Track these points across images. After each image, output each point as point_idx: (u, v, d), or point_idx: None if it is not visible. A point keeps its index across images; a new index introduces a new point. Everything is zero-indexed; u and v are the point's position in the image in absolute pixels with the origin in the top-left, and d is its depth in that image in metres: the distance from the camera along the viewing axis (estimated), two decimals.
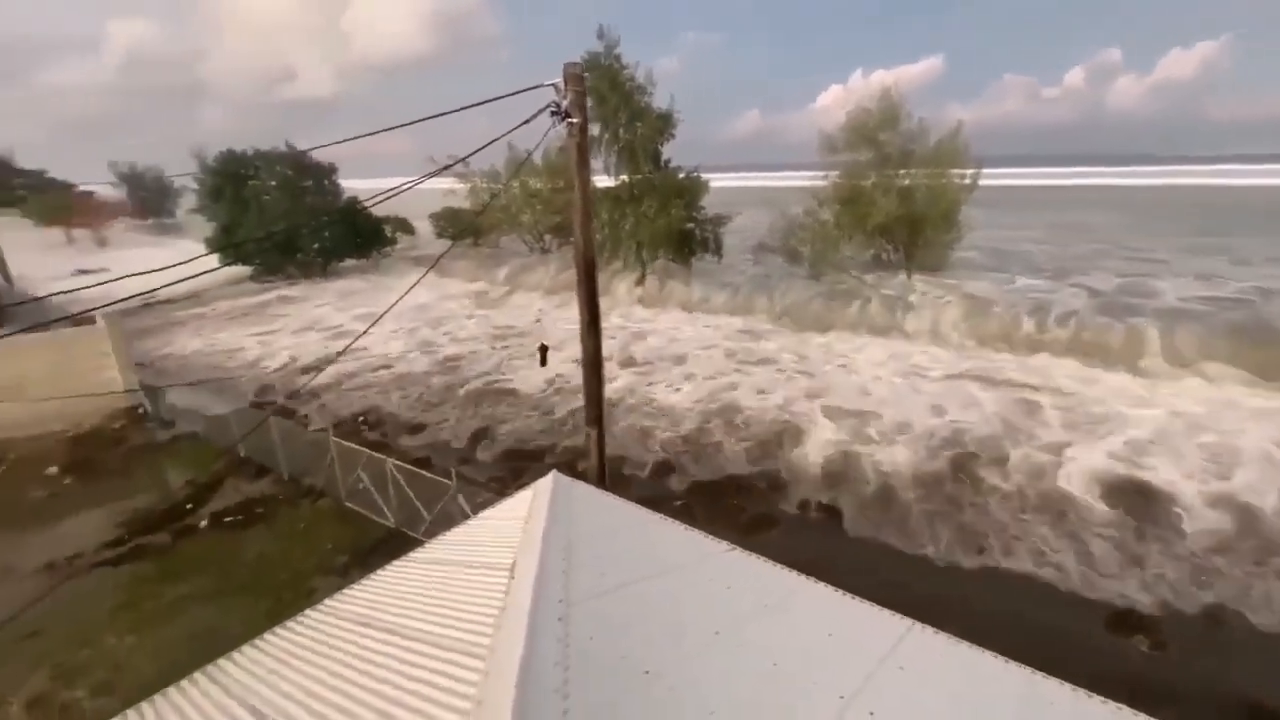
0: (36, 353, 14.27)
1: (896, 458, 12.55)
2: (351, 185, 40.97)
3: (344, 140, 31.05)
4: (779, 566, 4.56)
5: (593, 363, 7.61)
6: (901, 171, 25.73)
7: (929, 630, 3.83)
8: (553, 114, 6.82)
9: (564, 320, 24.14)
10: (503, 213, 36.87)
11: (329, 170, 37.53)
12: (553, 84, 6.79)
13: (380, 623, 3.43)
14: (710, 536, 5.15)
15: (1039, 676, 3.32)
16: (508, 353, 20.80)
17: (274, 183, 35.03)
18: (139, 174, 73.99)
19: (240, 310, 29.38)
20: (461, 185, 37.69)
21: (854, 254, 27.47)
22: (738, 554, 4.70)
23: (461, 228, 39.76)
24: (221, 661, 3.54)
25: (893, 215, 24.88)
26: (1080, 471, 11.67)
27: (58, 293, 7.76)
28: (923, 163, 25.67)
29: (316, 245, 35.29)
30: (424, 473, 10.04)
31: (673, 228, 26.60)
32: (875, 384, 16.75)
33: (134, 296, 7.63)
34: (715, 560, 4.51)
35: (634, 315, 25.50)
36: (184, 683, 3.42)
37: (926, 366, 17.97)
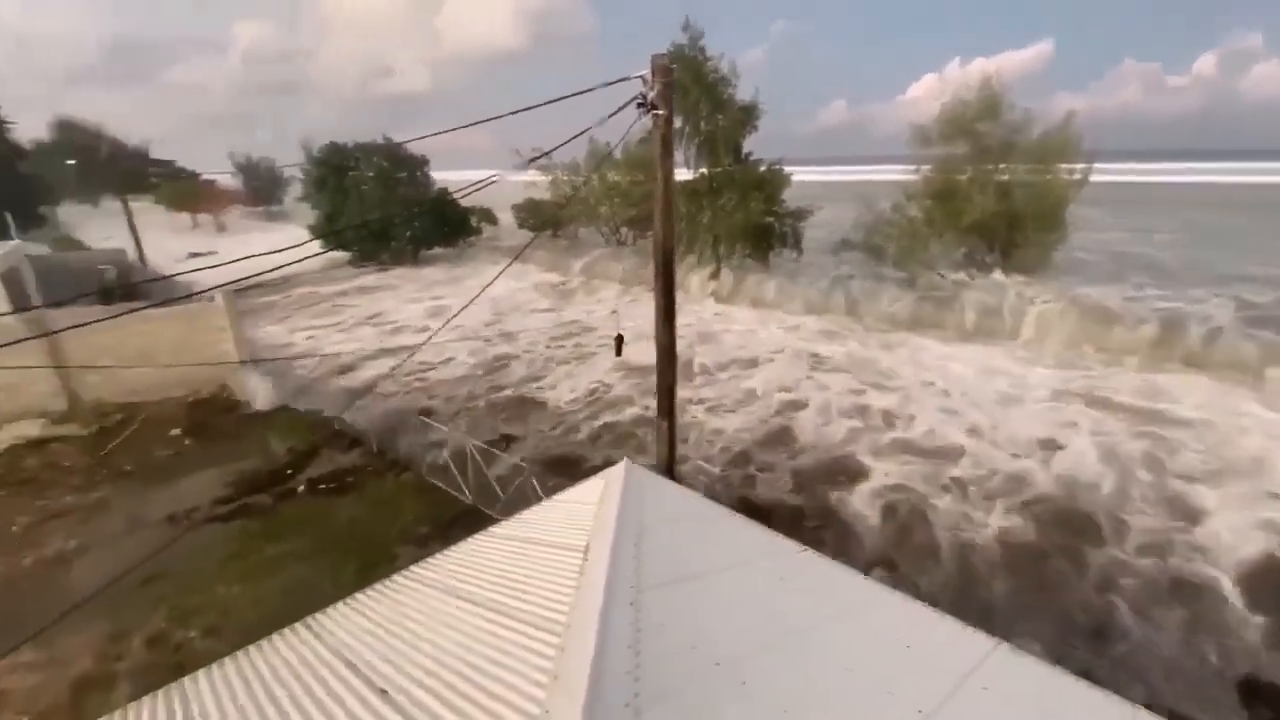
0: (164, 325, 15.84)
1: (983, 518, 10.17)
2: (441, 177, 42.83)
3: (435, 134, 32.48)
4: (854, 572, 4.43)
5: (666, 354, 7.63)
6: (1001, 166, 24.15)
7: (1015, 651, 3.62)
8: (638, 106, 6.85)
9: (634, 314, 24.14)
10: (581, 205, 37.49)
11: (421, 162, 39.35)
12: (639, 76, 6.82)
13: (461, 591, 3.59)
14: (782, 536, 5.07)
15: (1141, 712, 3.07)
16: (561, 353, 19.84)
17: (371, 174, 37.17)
18: (253, 164, 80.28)
19: (312, 299, 29.64)
20: (543, 177, 38.58)
21: (944, 252, 26.04)
22: (811, 555, 4.60)
23: (542, 219, 40.77)
24: (319, 615, 3.82)
25: (989, 212, 23.41)
26: (1232, 546, 9.21)
27: (182, 272, 8.57)
28: (1026, 156, 23.98)
29: (408, 234, 37.14)
30: (500, 454, 10.42)
31: (751, 222, 26.19)
32: (964, 402, 14.81)
33: (250, 277, 8.30)
34: (788, 559, 4.43)
35: (705, 312, 24.92)
36: (285, 632, 3.72)
37: (1029, 383, 15.92)
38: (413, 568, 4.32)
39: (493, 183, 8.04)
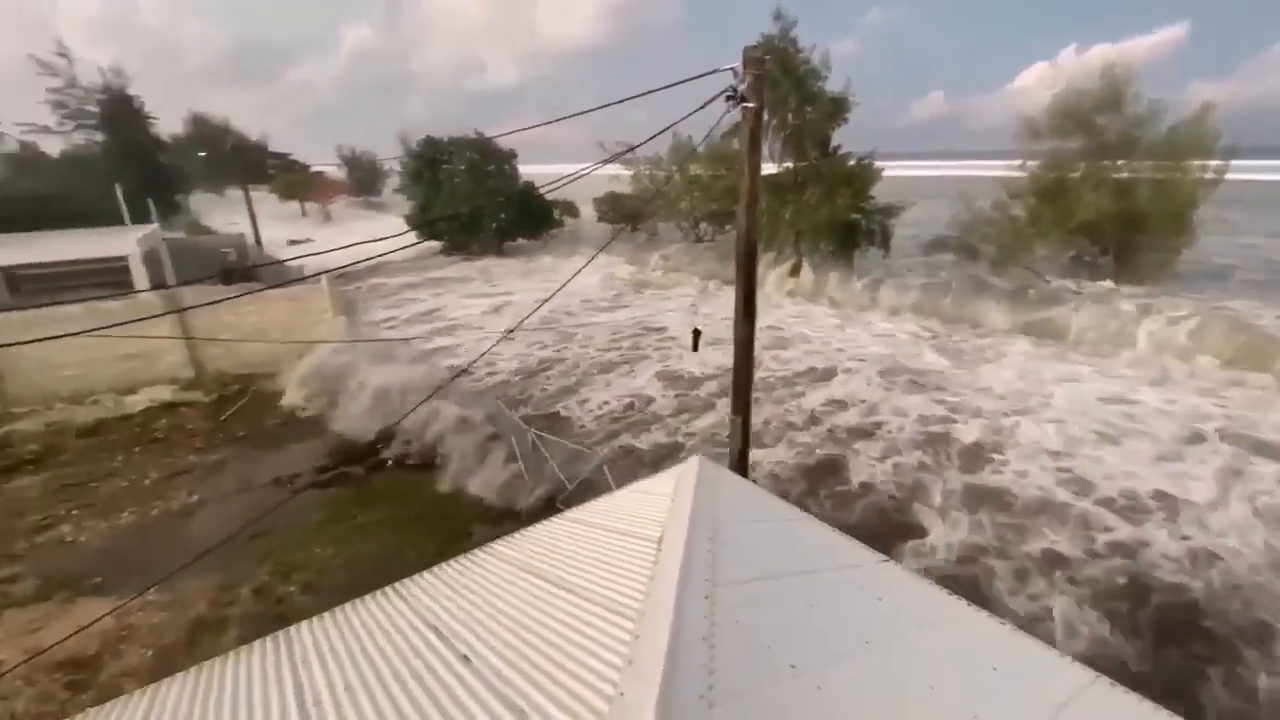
0: (276, 305, 17.30)
1: (1081, 627, 7.62)
2: (527, 170, 44.12)
3: (524, 128, 33.48)
4: (939, 588, 4.22)
5: (744, 349, 7.54)
6: (1120, 162, 22.14)
7: (1118, 688, 3.33)
8: (728, 99, 6.79)
9: (705, 314, 23.87)
10: (662, 199, 37.58)
11: (509, 156, 40.69)
12: (730, 69, 6.75)
13: (538, 570, 3.70)
14: (861, 544, 4.90)
15: None
16: (610, 357, 18.65)
17: (462, 167, 38.83)
18: (357, 157, 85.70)
19: (381, 291, 29.93)
20: (626, 171, 38.94)
21: (1049, 255, 24.23)
22: (892, 566, 4.43)
23: (623, 213, 41.16)
24: (406, 582, 4.05)
25: (1104, 212, 21.55)
26: None
27: (294, 257, 9.31)
28: (1151, 152, 21.88)
29: (495, 225, 38.54)
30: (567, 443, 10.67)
31: (836, 218, 25.37)
32: (1070, 436, 12.34)
33: (349, 265, 8.87)
34: (868, 569, 4.28)
35: (782, 312, 24.17)
36: (376, 594, 3.97)
37: (1156, 413, 13.32)
38: (492, 544, 4.50)
39: (580, 177, 8.21)
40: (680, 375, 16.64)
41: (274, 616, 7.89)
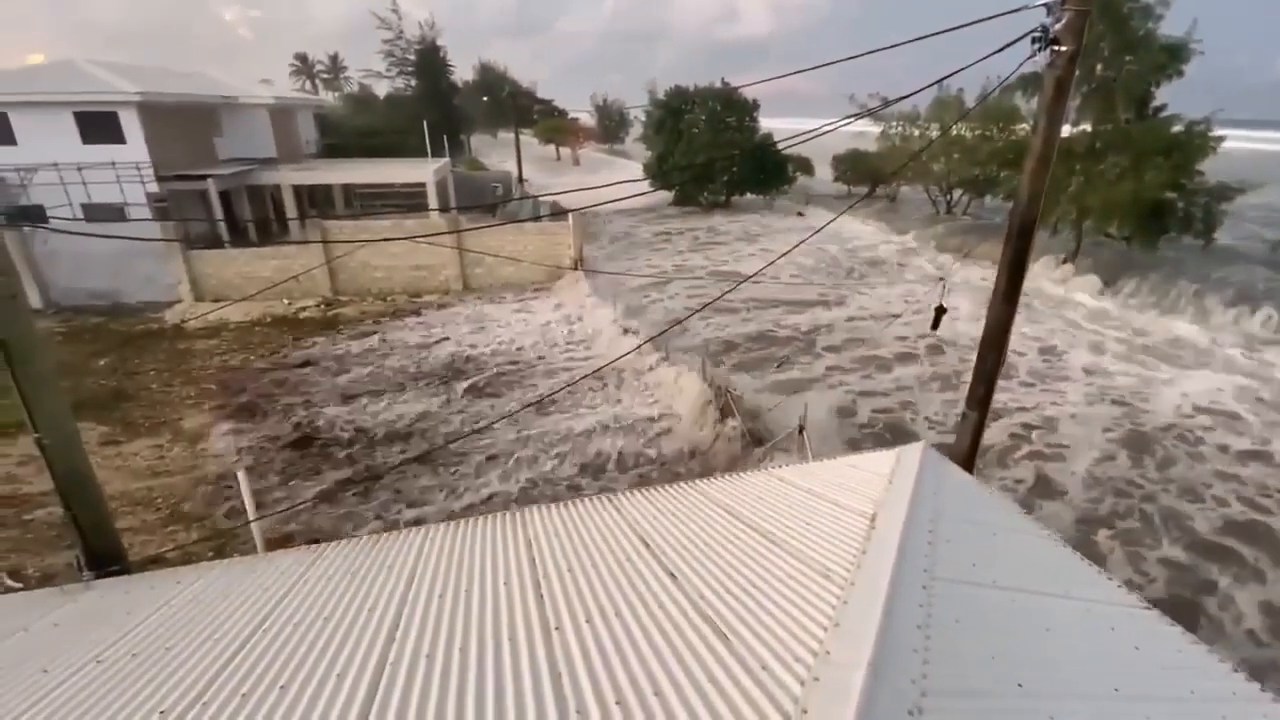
0: (531, 236, 19.66)
1: None
2: (769, 124, 42.82)
3: (771, 79, 32.34)
4: (1221, 658, 3.42)
5: (997, 335, 6.63)
6: None
7: None
8: (1034, 41, 5.78)
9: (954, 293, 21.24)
10: (912, 159, 34.04)
11: (753, 107, 39.76)
12: (1044, 3, 5.72)
13: (741, 516, 3.79)
14: (1116, 581, 4.15)
15: None
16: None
17: (703, 118, 38.99)
18: (607, 106, 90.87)
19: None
20: (873, 127, 35.79)
21: None
22: (1155, 616, 3.68)
23: (864, 173, 38.22)
24: (619, 495, 4.44)
25: None
26: None
27: (549, 194, 10.40)
28: None
29: (726, 178, 38.40)
30: None
31: (1143, 195, 20.41)
32: None
33: (598, 204, 9.55)
34: (1122, 611, 3.62)
35: (1042, 313, 20.07)
36: (593, 498, 4.42)
37: None
38: (697, 481, 4.70)
39: (825, 133, 7.73)
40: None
41: None
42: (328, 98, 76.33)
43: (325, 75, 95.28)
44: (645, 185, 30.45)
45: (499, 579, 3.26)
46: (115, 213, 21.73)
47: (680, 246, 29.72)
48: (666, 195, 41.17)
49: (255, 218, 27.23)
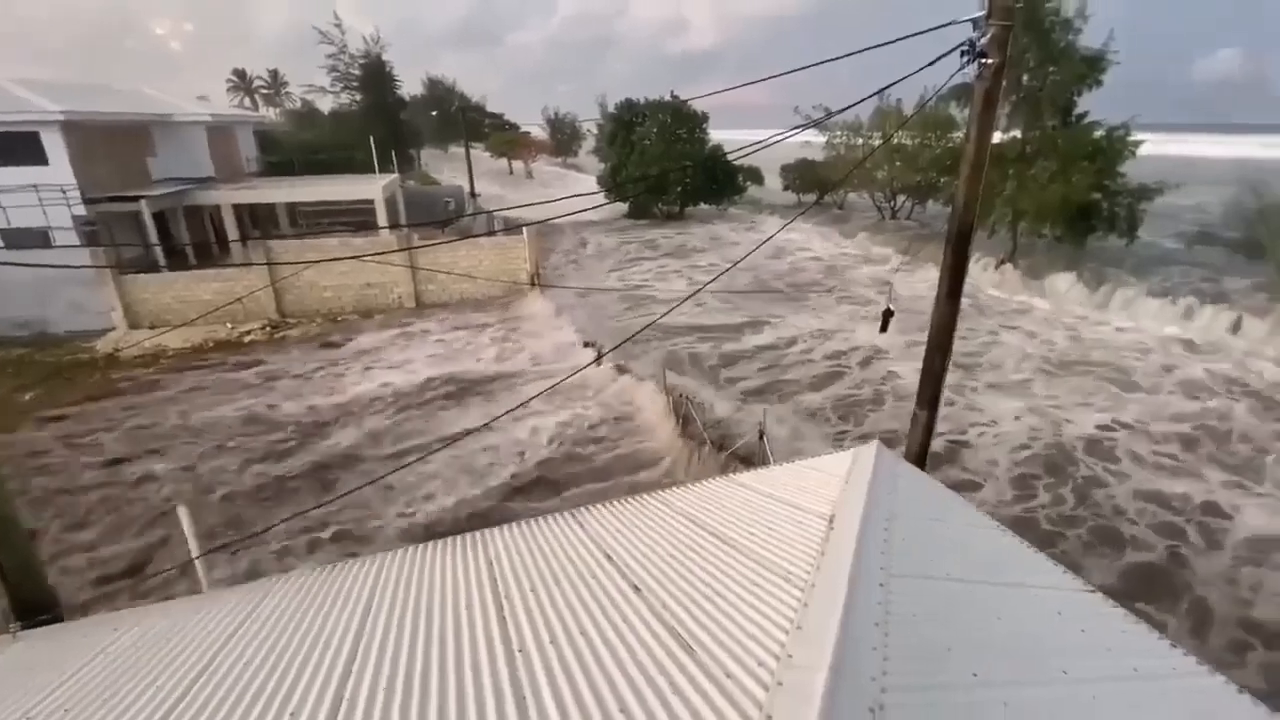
0: (485, 251, 19.43)
1: None
2: (719, 135, 43.64)
3: (719, 91, 33.04)
4: (1160, 636, 3.61)
5: (943, 335, 6.88)
6: None
7: None
8: (963, 54, 6.08)
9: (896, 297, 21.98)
10: (857, 168, 35.15)
11: (702, 119, 40.47)
12: (971, 19, 6.02)
13: (704, 523, 3.81)
14: (1061, 567, 4.33)
15: None
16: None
17: (654, 130, 39.46)
18: (559, 119, 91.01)
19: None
20: (819, 137, 36.89)
21: None
22: (1099, 599, 3.85)
23: (812, 182, 39.27)
24: (581, 510, 4.40)
25: None
26: None
27: (499, 209, 10.32)
28: None
29: (679, 189, 38.89)
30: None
31: (1071, 198, 21.63)
32: None
33: (551, 219, 9.55)
34: (1068, 595, 3.78)
35: (978, 320, 20.66)
36: (556, 516, 4.37)
37: None
38: (660, 492, 4.70)
39: (773, 144, 7.93)
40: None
41: None
42: (269, 114, 74.14)
43: (265, 91, 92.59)
44: (600, 198, 30.57)
45: (460, 603, 3.19)
46: (39, 237, 20.53)
47: (638, 258, 29.90)
48: (621, 208, 41.44)
49: (194, 240, 26.14)
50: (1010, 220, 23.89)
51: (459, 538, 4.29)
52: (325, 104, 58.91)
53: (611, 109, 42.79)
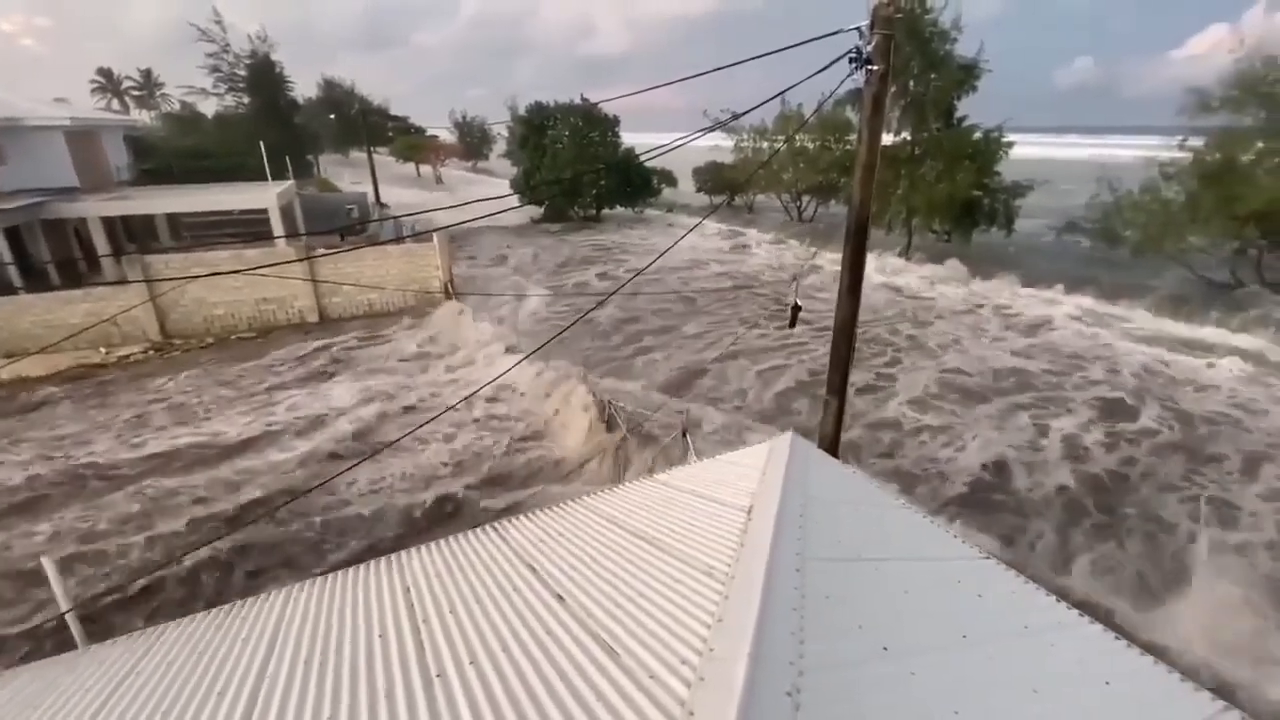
0: (393, 259, 18.58)
1: None
2: (631, 138, 44.01)
3: (629, 94, 33.29)
4: (1046, 593, 3.95)
5: (846, 328, 7.25)
6: None
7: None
8: (851, 61, 6.43)
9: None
10: (765, 169, 36.49)
11: (613, 123, 40.67)
12: (856, 28, 6.38)
13: (628, 526, 3.81)
14: (961, 538, 4.66)
15: None
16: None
17: (566, 133, 39.29)
18: (468, 122, 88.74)
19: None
20: (727, 141, 38.00)
21: (1207, 246, 21.39)
22: (993, 564, 4.18)
23: (723, 184, 40.34)
24: (504, 522, 4.30)
25: None
26: None
27: (410, 214, 9.92)
28: None
29: (594, 192, 38.90)
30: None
31: (956, 195, 23.52)
32: None
33: (462, 223, 9.28)
34: (967, 564, 4.07)
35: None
36: (477, 530, 4.24)
37: None
38: (584, 498, 4.67)
39: (679, 146, 8.09)
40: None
41: None
42: (142, 117, 67.80)
43: (137, 93, 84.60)
44: (513, 201, 30.08)
45: (373, 632, 3.02)
46: None
47: (555, 261, 29.63)
48: (536, 212, 40.97)
49: (57, 257, 23.42)
50: (905, 217, 25.59)
51: (373, 562, 4.08)
52: (208, 106, 54.57)
53: (522, 112, 42.20)
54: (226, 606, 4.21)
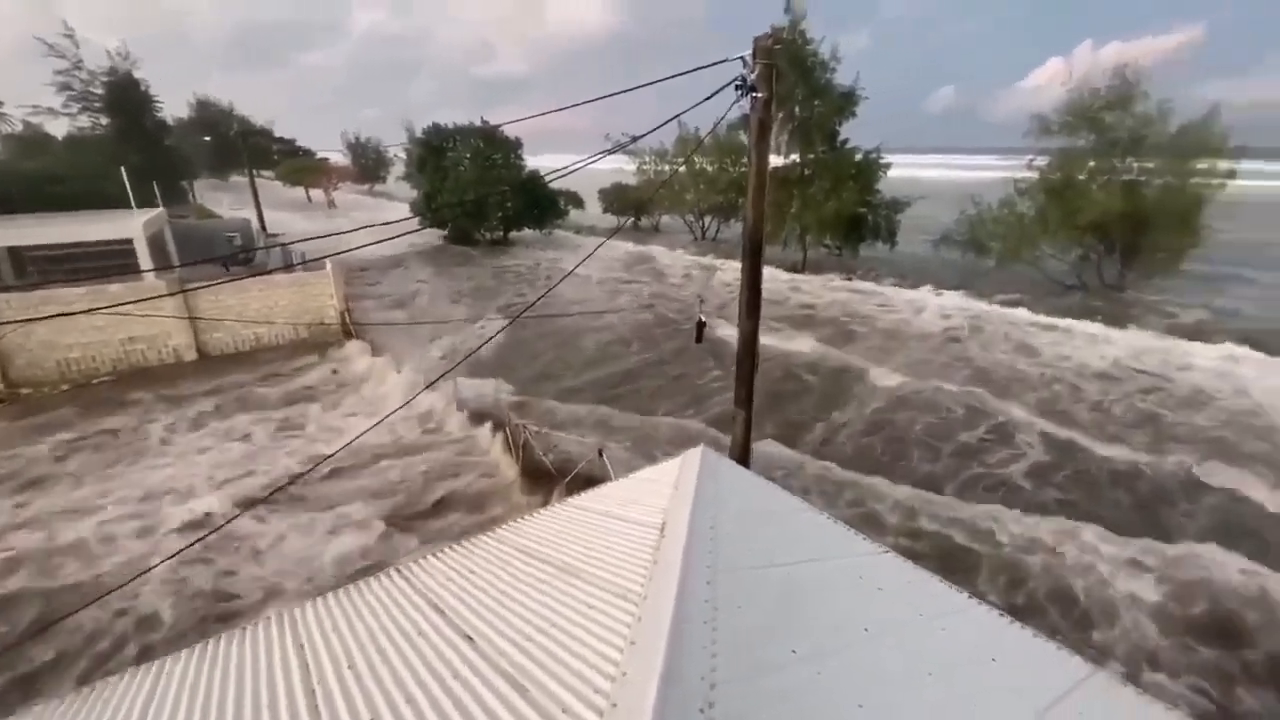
0: (281, 290, 17.34)
1: None
2: (534, 161, 43.86)
3: (531, 116, 33.24)
4: (939, 580, 4.24)
5: (749, 343, 7.53)
6: (1129, 161, 22.06)
7: (1114, 679, 3.36)
8: (737, 88, 6.76)
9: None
10: (667, 191, 37.52)
11: (515, 145, 40.36)
12: (740, 57, 6.73)
13: (540, 554, 3.73)
14: (861, 535, 4.92)
15: None
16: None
17: (468, 155, 38.57)
18: (362, 144, 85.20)
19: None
20: (630, 163, 38.80)
21: (1056, 253, 24.15)
22: (891, 557, 4.44)
23: (628, 205, 41.02)
24: (409, 563, 4.08)
25: (1113, 212, 21.44)
26: None
27: (297, 240, 9.34)
28: (1159, 151, 21.74)
29: (500, 214, 38.32)
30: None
31: (843, 212, 25.29)
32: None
33: (359, 247, 8.87)
34: (868, 560, 4.30)
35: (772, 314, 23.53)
36: (380, 575, 4.00)
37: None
38: (496, 529, 4.52)
39: (581, 167, 8.18)
40: None
41: None
42: None
43: None
44: (413, 224, 29.07)
45: (261, 700, 2.76)
46: None
47: (464, 287, 28.83)
48: (437, 237, 39.83)
49: None
50: (799, 234, 27.11)
51: (261, 622, 3.74)
52: (58, 127, 49.13)
53: (420, 134, 41.01)
54: (87, 689, 3.72)
